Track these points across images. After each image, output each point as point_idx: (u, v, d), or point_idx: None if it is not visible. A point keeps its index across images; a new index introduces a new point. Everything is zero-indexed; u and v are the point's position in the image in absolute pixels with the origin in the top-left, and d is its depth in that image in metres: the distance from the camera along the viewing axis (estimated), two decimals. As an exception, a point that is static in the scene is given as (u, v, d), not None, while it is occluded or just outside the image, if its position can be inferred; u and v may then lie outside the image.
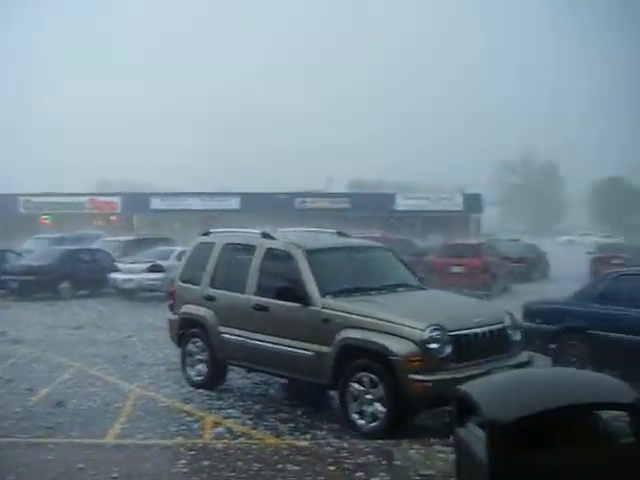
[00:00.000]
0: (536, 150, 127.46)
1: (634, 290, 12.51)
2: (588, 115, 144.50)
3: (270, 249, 11.09)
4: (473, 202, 65.94)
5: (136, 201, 66.21)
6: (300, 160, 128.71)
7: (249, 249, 11.40)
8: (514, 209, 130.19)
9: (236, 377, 12.62)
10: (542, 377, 5.38)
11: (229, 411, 10.68)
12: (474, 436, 4.65)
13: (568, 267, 36.64)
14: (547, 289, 22.26)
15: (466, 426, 4.91)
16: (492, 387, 4.96)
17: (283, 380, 12.03)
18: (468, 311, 10.18)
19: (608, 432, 4.68)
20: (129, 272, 27.01)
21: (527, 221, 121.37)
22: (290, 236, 11.77)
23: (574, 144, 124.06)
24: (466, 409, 4.87)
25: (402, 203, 64.81)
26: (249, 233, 12.09)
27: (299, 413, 10.54)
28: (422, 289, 11.39)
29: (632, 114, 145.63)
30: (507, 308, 10.77)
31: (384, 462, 7.74)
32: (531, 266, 37.39)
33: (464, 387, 4.89)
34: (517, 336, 10.10)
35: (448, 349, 8.98)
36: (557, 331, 12.86)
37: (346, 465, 7.70)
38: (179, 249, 26.93)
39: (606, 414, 5.14)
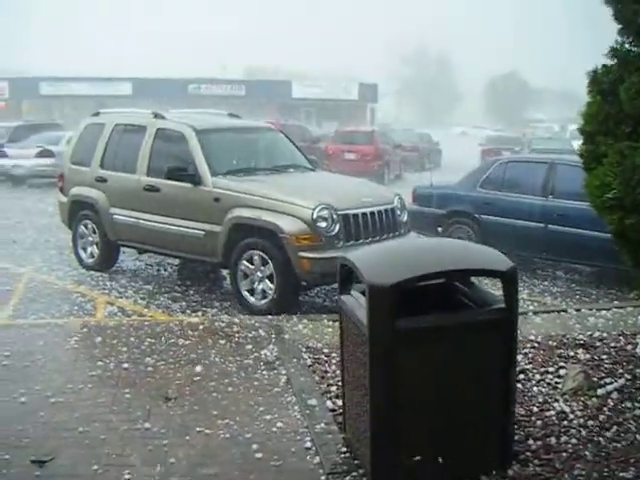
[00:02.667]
0: (430, 41, 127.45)
1: (517, 176, 12.98)
2: (483, 8, 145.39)
3: (161, 129, 10.98)
4: (369, 92, 65.91)
5: (24, 86, 63.36)
6: (193, 46, 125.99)
7: (140, 129, 11.23)
8: (408, 100, 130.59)
9: (128, 259, 12.65)
10: (422, 245, 5.61)
11: (121, 291, 10.75)
12: (357, 303, 4.82)
13: (460, 157, 37.21)
14: (439, 178, 22.51)
15: (350, 294, 5.08)
16: (373, 254, 5.15)
17: (176, 261, 12.13)
18: (357, 192, 10.38)
19: (481, 298, 4.92)
20: (18, 158, 26.31)
21: (421, 112, 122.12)
22: (181, 117, 11.67)
23: (470, 37, 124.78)
24: (350, 277, 5.04)
25: (298, 91, 64.18)
26: (140, 113, 11.92)
27: (191, 292, 10.71)
28: (313, 171, 11.54)
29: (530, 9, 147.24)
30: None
31: (273, 336, 7.96)
32: (424, 155, 37.97)
33: (348, 255, 5.03)
34: (405, 217, 10.40)
35: (337, 228, 9.19)
36: (444, 214, 13.31)
37: (237, 339, 7.89)
38: (69, 134, 26.27)
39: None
